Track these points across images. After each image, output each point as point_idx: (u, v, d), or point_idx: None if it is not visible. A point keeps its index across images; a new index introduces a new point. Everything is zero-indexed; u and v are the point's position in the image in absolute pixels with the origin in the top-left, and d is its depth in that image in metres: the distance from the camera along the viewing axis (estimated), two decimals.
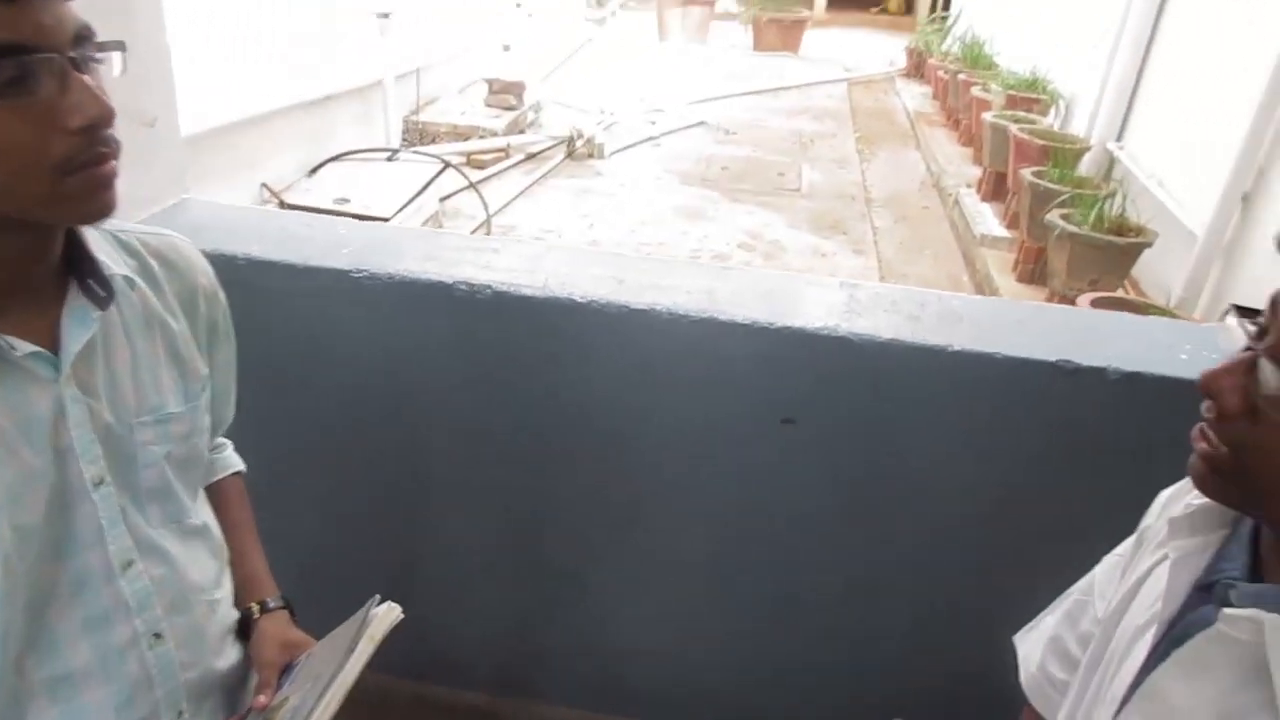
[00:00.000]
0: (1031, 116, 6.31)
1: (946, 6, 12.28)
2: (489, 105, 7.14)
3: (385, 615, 0.95)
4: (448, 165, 5.66)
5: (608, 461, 1.77)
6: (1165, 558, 0.78)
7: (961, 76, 8.03)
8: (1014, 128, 5.71)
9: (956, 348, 1.54)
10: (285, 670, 1.00)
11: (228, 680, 1.03)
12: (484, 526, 1.89)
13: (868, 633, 1.83)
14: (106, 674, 0.88)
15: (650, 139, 7.63)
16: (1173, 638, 0.72)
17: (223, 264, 1.64)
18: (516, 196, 6.01)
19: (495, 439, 1.78)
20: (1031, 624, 1.04)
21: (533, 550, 1.90)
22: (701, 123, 8.24)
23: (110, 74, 0.77)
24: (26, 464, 0.79)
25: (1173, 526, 0.77)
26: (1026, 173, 5.03)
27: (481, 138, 6.62)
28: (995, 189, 6.06)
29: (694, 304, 1.62)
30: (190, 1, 4.10)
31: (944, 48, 9.83)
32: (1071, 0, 7.16)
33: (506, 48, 8.27)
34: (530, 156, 6.73)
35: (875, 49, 12.05)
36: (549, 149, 6.88)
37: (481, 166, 6.32)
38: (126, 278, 0.88)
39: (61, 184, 0.72)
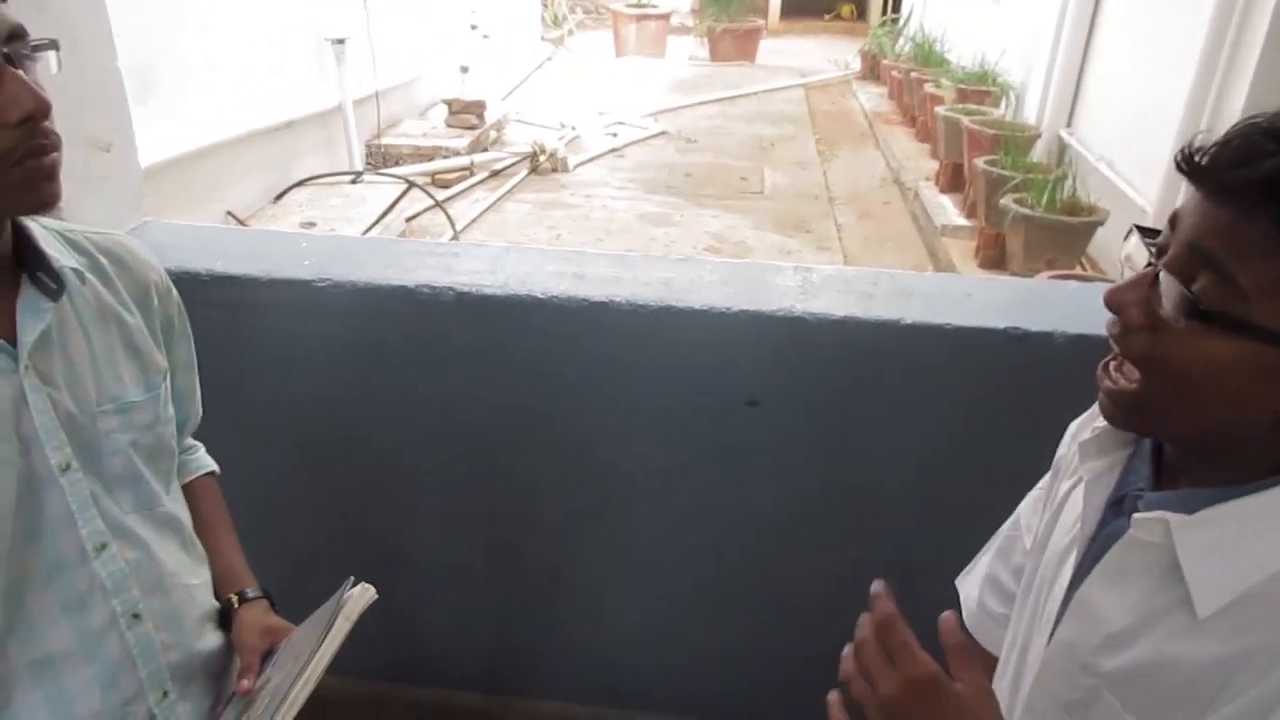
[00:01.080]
0: (983, 109, 6.43)
1: (897, 9, 12.46)
2: (450, 126, 7.17)
3: (360, 596, 0.97)
4: (412, 185, 5.69)
5: (578, 455, 1.80)
6: (1079, 481, 0.82)
7: (914, 75, 8.16)
8: (966, 120, 5.81)
9: (909, 321, 1.58)
10: (267, 655, 1.02)
11: (211, 664, 1.06)
12: (461, 525, 1.91)
13: (845, 608, 1.86)
14: (88, 655, 0.91)
15: (613, 151, 7.68)
16: (1094, 553, 0.77)
17: (188, 281, 1.68)
18: (483, 213, 6.04)
19: (466, 438, 1.81)
20: (970, 566, 1.09)
21: (511, 547, 1.92)
22: (663, 132, 8.31)
23: (48, 70, 0.79)
24: None
25: (1083, 451, 0.82)
26: (980, 162, 5.14)
27: (445, 157, 6.65)
28: (953, 180, 6.16)
29: (651, 294, 1.65)
30: (144, 32, 4.10)
31: (897, 49, 9.99)
32: None
33: (465, 69, 8.30)
34: (494, 174, 6.77)
35: (830, 54, 12.21)
36: (512, 165, 6.91)
37: (446, 185, 6.35)
38: (75, 270, 0.91)
39: (5, 176, 0.75)
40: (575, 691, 2.08)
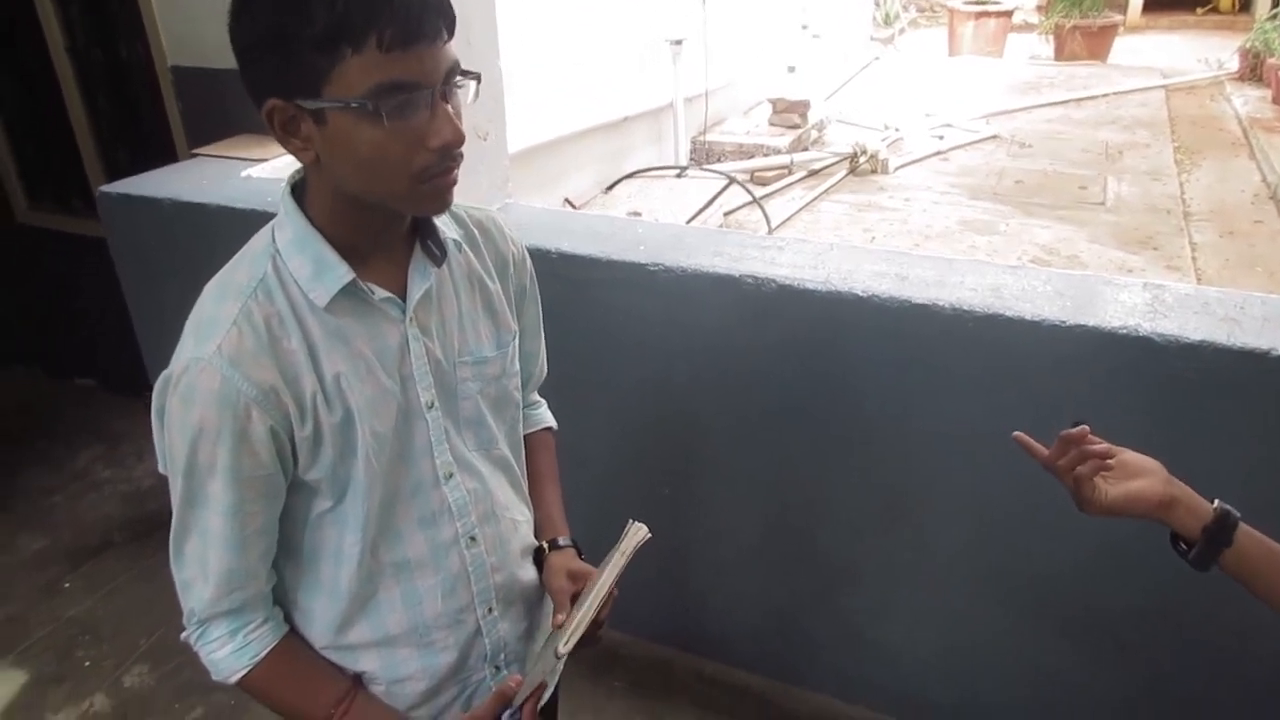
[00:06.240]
0: None
1: None
2: (773, 124, 7.27)
3: (634, 534, 1.07)
4: (732, 181, 5.85)
5: (881, 457, 1.79)
6: None
7: None
8: None
9: None
10: (575, 596, 1.14)
11: (528, 593, 1.21)
12: (756, 511, 1.97)
13: (1154, 646, 1.71)
14: (435, 564, 1.08)
15: (937, 154, 7.38)
16: None
17: (540, 257, 1.88)
18: (798, 211, 6.07)
19: (771, 427, 1.86)
20: None
21: (802, 539, 1.96)
22: (994, 136, 7.85)
23: (466, 99, 0.93)
24: (382, 384, 0.99)
25: None
26: None
27: (765, 155, 6.75)
28: None
29: (979, 300, 1.60)
30: (509, 33, 4.56)
31: None
32: None
33: (791, 69, 8.36)
34: (813, 173, 6.77)
35: (1199, 52, 10.85)
36: (831, 165, 6.87)
37: (765, 183, 6.45)
38: (455, 241, 1.06)
39: (416, 188, 0.90)
40: (851, 690, 2.07)
